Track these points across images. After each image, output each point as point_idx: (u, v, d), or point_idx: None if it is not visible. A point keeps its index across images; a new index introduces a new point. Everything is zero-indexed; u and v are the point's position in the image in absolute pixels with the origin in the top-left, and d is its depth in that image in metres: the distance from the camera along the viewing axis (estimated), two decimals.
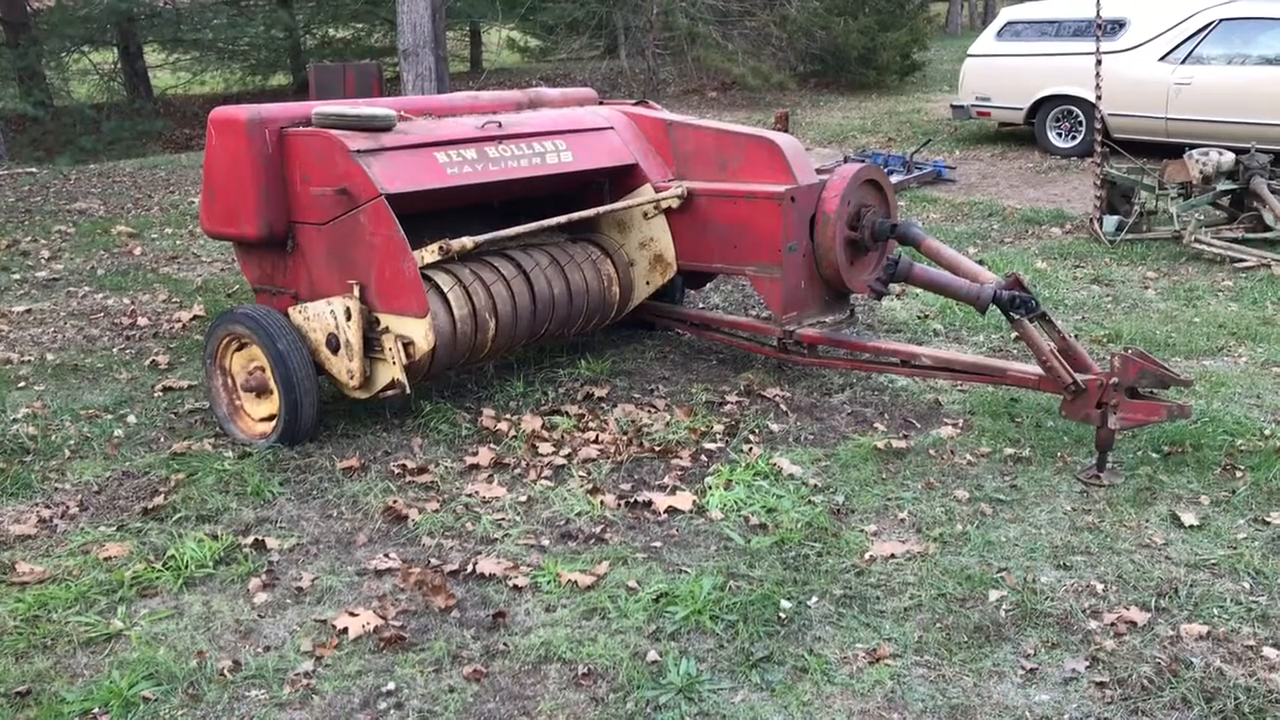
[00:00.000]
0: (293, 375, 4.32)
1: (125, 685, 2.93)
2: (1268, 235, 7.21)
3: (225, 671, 3.01)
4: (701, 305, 6.32)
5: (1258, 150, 7.51)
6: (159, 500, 4.01)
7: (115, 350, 5.85)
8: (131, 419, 4.85)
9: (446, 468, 4.26)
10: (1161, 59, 10.51)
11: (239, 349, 4.58)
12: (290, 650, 3.11)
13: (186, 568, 3.52)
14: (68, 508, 4.00)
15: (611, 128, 5.32)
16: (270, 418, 4.52)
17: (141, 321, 6.35)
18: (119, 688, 2.92)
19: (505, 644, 3.12)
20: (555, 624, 3.21)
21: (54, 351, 5.84)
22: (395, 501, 3.95)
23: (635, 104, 5.71)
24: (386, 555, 3.61)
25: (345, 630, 3.18)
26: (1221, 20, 10.33)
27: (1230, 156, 7.47)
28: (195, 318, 6.38)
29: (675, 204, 5.13)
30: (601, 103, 5.76)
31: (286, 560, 3.62)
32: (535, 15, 20.14)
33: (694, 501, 3.92)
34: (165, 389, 5.21)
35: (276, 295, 4.73)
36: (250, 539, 3.71)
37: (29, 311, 6.60)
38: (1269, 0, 11.23)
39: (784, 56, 17.72)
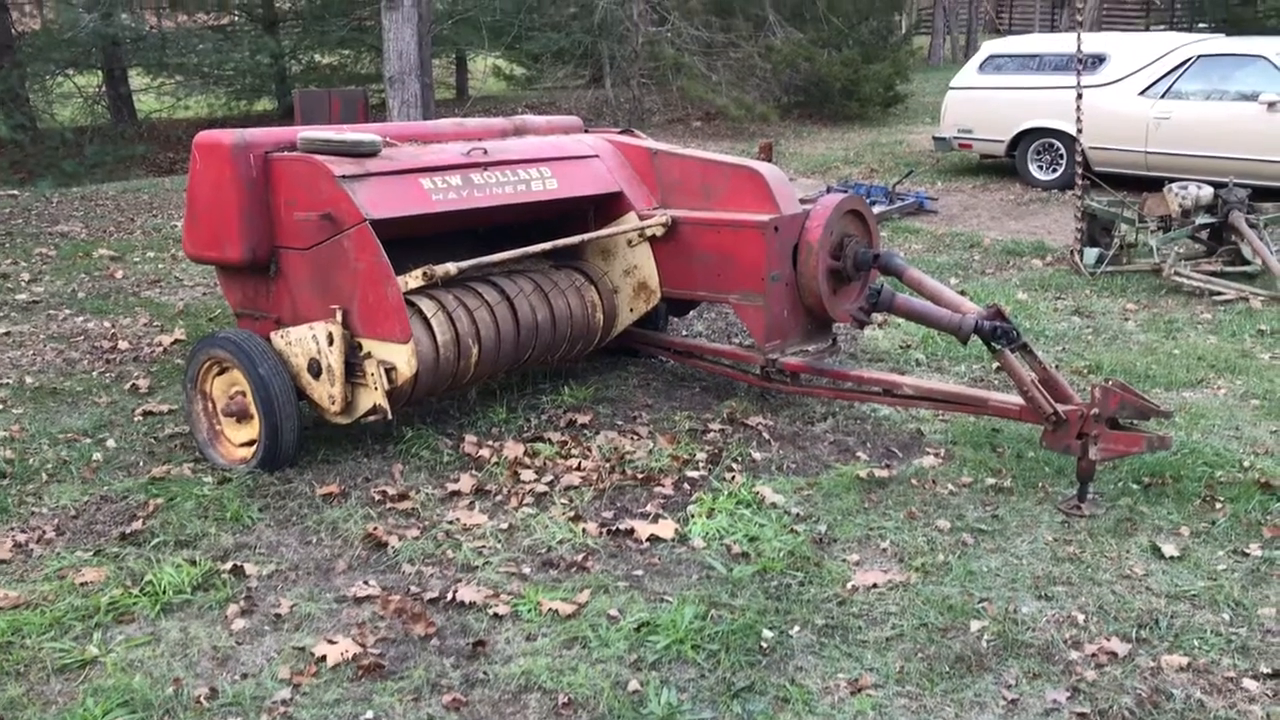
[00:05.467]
0: (274, 400, 4.30)
1: (99, 713, 2.89)
2: (1246, 269, 7.29)
3: (202, 699, 2.98)
4: (685, 333, 6.33)
5: (1235, 184, 7.59)
6: (137, 525, 3.98)
7: (95, 374, 5.82)
8: (110, 443, 4.81)
9: (427, 494, 4.24)
10: (1141, 94, 10.63)
11: (220, 373, 4.56)
12: (268, 678, 3.08)
13: (164, 593, 3.49)
14: (44, 532, 3.96)
15: (596, 156, 5.34)
16: (250, 443, 4.49)
17: (122, 345, 6.31)
18: (93, 715, 2.88)
19: (485, 673, 3.10)
20: (536, 653, 3.19)
21: (33, 374, 5.79)
22: (375, 528, 3.93)
23: (620, 132, 5.74)
24: (366, 582, 3.59)
25: (324, 658, 3.15)
26: (1199, 56, 10.46)
27: (1209, 190, 7.54)
28: (176, 342, 6.35)
29: (659, 232, 5.14)
30: (587, 131, 5.78)
31: (265, 587, 3.59)
32: (521, 44, 20.24)
33: (676, 530, 3.91)
34: (145, 413, 5.17)
35: (259, 320, 4.71)
36: (229, 565, 3.68)
37: (8, 334, 6.55)
38: (1244, 38, 11.41)
39: (768, 87, 17.84)
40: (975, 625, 3.29)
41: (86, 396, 5.45)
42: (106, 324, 6.79)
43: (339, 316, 4.31)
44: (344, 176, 4.30)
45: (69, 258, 8.72)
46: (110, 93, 19.12)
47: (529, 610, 3.40)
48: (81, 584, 3.58)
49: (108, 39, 17.02)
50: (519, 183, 4.89)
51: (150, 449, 4.76)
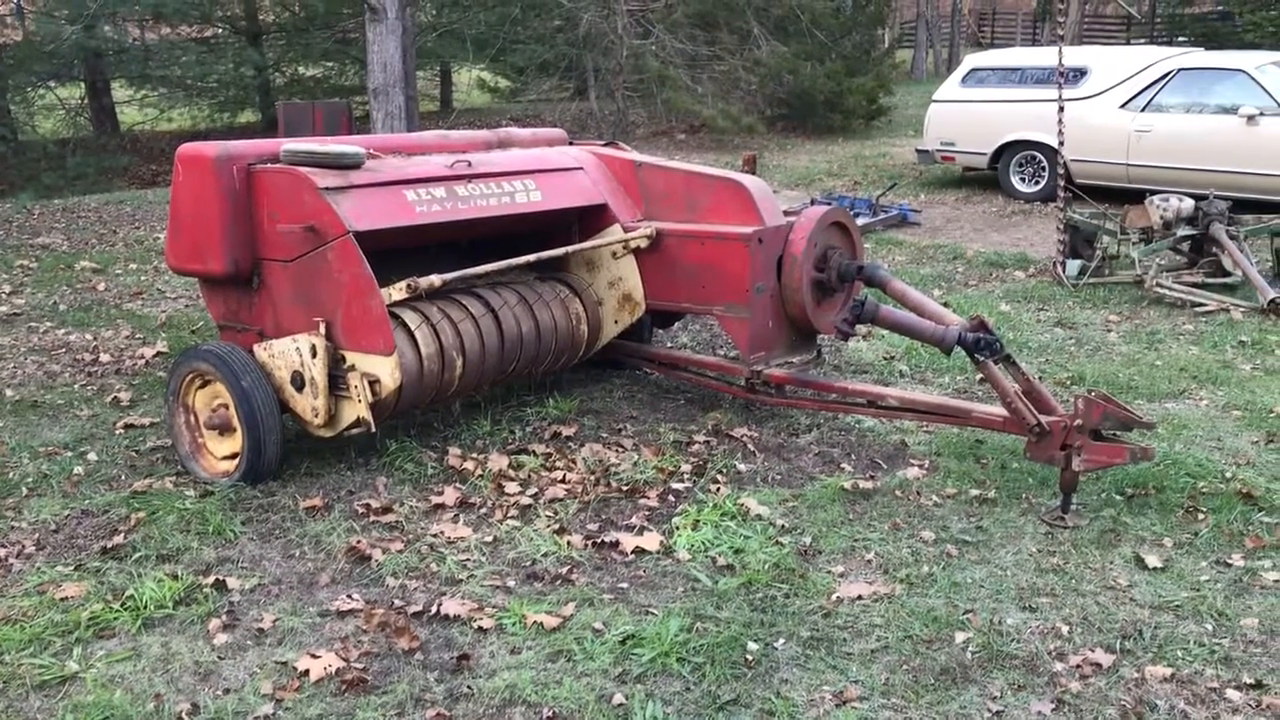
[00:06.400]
0: (256, 413, 4.28)
1: None
2: (1226, 280, 7.33)
3: (183, 715, 2.95)
4: (670, 344, 6.33)
5: (1216, 197, 7.65)
6: (118, 539, 3.95)
7: (76, 387, 5.78)
8: (92, 456, 4.78)
9: (411, 507, 4.22)
10: (1122, 106, 10.71)
11: (202, 386, 4.54)
12: (250, 693, 3.06)
13: (145, 608, 3.46)
14: (24, 547, 3.93)
15: (581, 168, 5.34)
16: (233, 456, 4.47)
17: (104, 358, 6.28)
18: None
19: (469, 687, 3.08)
20: (520, 666, 3.17)
21: (13, 388, 5.75)
22: (359, 541, 3.91)
23: (604, 145, 5.74)
24: (349, 596, 3.57)
25: (306, 672, 3.13)
26: (1179, 70, 10.55)
27: (1190, 202, 7.59)
28: (158, 354, 6.32)
29: (644, 244, 5.14)
30: (571, 143, 5.79)
31: (247, 601, 3.56)
32: (505, 56, 20.27)
33: (661, 542, 3.90)
34: (127, 426, 5.14)
35: (241, 332, 4.69)
36: (211, 579, 3.65)
37: None
38: (1224, 52, 11.51)
39: (752, 100, 17.91)
40: (960, 637, 3.29)
41: (67, 409, 5.42)
42: (88, 336, 6.75)
43: (322, 329, 4.29)
44: (327, 188, 4.29)
45: (50, 270, 8.68)
46: (93, 105, 19.06)
47: (513, 623, 3.38)
48: (61, 599, 3.55)
49: (90, 50, 16.97)
50: (503, 195, 4.89)
51: (132, 462, 4.73)
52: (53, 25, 16.79)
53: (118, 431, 5.10)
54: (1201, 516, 4.05)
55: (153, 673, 3.16)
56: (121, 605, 3.49)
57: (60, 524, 4.13)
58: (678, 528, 4.01)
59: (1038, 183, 11.44)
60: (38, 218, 11.39)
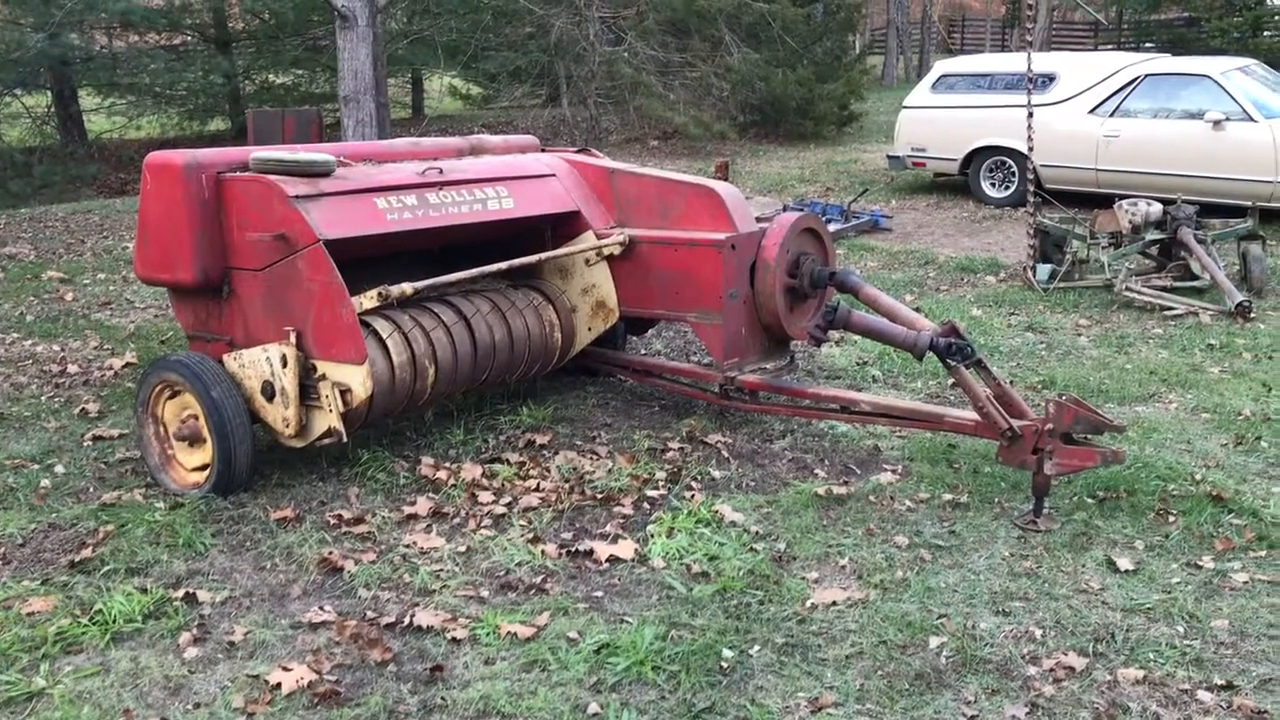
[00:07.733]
0: (227, 424, 4.25)
1: None
2: (1195, 284, 7.41)
3: None
4: (643, 351, 6.33)
5: (1184, 201, 7.73)
6: (86, 553, 3.90)
7: (44, 398, 5.71)
8: (59, 469, 4.72)
9: (384, 518, 4.19)
10: (1090, 112, 10.80)
11: (172, 397, 4.50)
12: (221, 707, 3.02)
13: (114, 622, 3.42)
14: None
15: (553, 175, 5.33)
16: (203, 467, 4.43)
17: (71, 369, 6.21)
18: None
19: (443, 698, 3.06)
20: (494, 677, 3.15)
21: None
22: (331, 553, 3.88)
23: (577, 152, 5.73)
24: (321, 608, 3.54)
25: (278, 686, 3.10)
26: (1146, 76, 10.65)
27: (1158, 207, 7.67)
28: (127, 365, 6.25)
29: (617, 251, 5.14)
30: (543, 150, 5.78)
31: (218, 614, 3.53)
32: (477, 63, 20.24)
33: (636, 550, 3.89)
34: (95, 438, 5.08)
35: (211, 342, 4.65)
36: (181, 592, 3.61)
37: None
38: (1190, 58, 11.63)
39: (724, 107, 17.95)
40: (934, 642, 3.29)
41: (35, 422, 5.35)
42: (55, 347, 6.68)
43: (293, 338, 4.26)
44: (297, 197, 4.26)
45: (17, 280, 8.58)
46: (60, 113, 18.88)
47: (487, 634, 3.37)
48: (28, 614, 3.50)
49: (56, 58, 16.80)
50: (475, 202, 4.87)
51: (100, 475, 4.68)
52: (18, 33, 16.62)
53: (86, 443, 5.04)
54: (1172, 519, 4.08)
55: (122, 688, 3.12)
56: (90, 620, 3.45)
57: (27, 538, 4.07)
58: (652, 535, 4.00)
59: (1008, 188, 11.52)
60: (4, 227, 11.27)
